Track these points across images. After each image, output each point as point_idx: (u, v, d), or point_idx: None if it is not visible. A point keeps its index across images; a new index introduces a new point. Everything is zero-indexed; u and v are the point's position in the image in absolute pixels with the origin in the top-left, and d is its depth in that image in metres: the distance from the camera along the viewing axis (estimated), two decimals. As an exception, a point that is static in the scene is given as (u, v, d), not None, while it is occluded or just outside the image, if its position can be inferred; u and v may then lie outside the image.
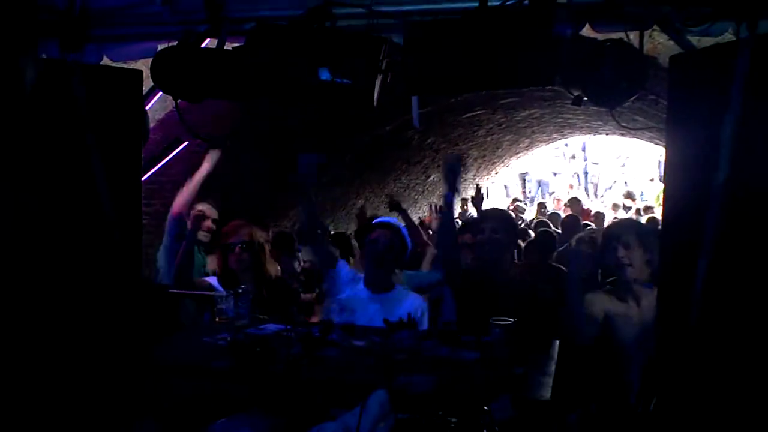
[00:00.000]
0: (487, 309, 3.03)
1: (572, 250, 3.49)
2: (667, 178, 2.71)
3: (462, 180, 13.27)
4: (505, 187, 19.11)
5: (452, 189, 3.49)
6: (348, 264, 3.87)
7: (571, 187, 18.94)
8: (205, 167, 4.38)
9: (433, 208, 6.08)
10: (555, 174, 20.16)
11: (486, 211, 4.40)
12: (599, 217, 10.77)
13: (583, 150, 20.03)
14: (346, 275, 3.56)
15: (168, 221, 4.25)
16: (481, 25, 2.70)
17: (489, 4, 2.73)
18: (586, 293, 3.35)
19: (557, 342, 3.03)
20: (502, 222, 3.61)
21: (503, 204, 15.45)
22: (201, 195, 4.38)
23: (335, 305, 3.46)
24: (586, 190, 19.38)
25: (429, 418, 1.99)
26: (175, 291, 3.81)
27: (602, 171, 19.92)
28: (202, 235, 4.33)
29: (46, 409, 2.48)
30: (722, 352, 2.41)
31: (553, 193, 18.70)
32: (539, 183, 19.72)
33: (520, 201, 15.39)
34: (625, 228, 3.37)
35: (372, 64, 2.78)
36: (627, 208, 13.26)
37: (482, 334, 2.92)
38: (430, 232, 5.79)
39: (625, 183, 18.74)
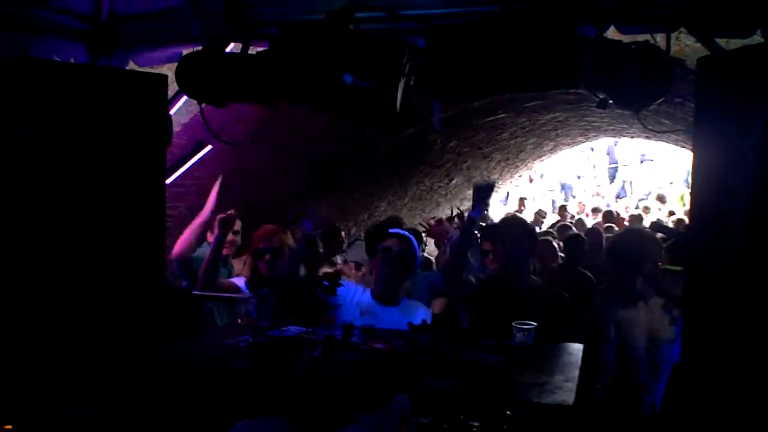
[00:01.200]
0: (510, 318, 3.02)
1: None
2: (694, 182, 2.68)
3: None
4: (553, 201, 18.31)
5: (478, 210, 3.60)
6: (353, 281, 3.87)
7: (599, 187, 18.66)
8: (208, 208, 4.28)
9: (454, 213, 6.08)
10: (579, 177, 19.87)
11: (505, 219, 4.41)
12: (637, 219, 10.79)
13: (608, 153, 19.72)
14: (345, 290, 3.52)
15: (173, 264, 4.13)
16: (503, 28, 2.69)
17: (511, 7, 2.71)
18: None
19: (581, 347, 3.01)
20: (522, 230, 3.59)
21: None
22: (222, 205, 4.37)
23: (355, 310, 3.46)
24: (621, 195, 18.75)
25: (451, 422, 1.98)
26: (198, 293, 3.83)
27: (632, 173, 19.50)
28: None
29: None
30: (750, 357, 2.37)
31: (576, 196, 18.47)
32: (563, 186, 19.47)
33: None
34: (637, 248, 3.35)
35: (395, 68, 2.79)
36: (658, 211, 13.19)
37: (505, 338, 2.91)
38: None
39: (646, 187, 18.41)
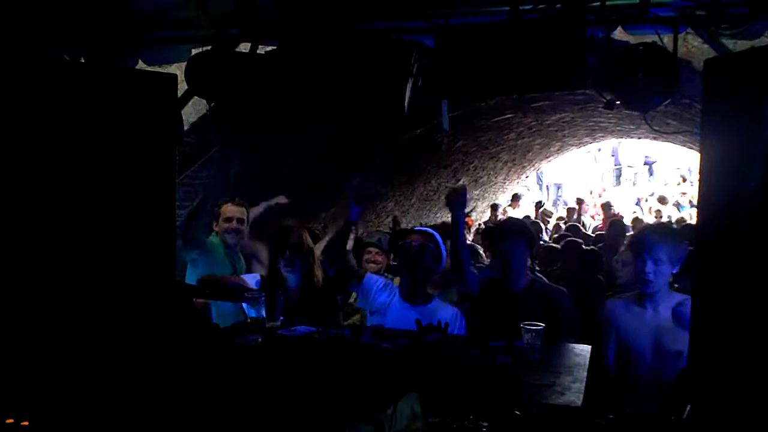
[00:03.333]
0: (508, 318, 3.02)
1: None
2: (701, 183, 2.67)
3: (492, 183, 13.22)
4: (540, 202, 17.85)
5: (459, 212, 3.41)
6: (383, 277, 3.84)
7: (604, 190, 18.62)
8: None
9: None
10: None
11: (504, 222, 4.39)
12: (638, 222, 10.77)
13: (613, 155, 19.70)
14: (377, 284, 3.55)
15: None
16: (512, 29, 2.70)
17: (520, 8, 2.73)
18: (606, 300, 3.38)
19: (589, 348, 3.01)
20: (519, 234, 3.56)
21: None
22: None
23: (374, 318, 3.46)
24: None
25: (460, 422, 1.99)
26: (208, 292, 3.84)
27: (637, 174, 19.46)
28: (228, 237, 4.35)
29: (66, 407, 2.53)
30: (759, 359, 2.37)
31: (561, 196, 18.47)
32: (558, 186, 19.39)
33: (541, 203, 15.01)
34: (657, 240, 3.25)
35: (403, 69, 2.80)
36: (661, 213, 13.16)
37: (513, 339, 2.91)
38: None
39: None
